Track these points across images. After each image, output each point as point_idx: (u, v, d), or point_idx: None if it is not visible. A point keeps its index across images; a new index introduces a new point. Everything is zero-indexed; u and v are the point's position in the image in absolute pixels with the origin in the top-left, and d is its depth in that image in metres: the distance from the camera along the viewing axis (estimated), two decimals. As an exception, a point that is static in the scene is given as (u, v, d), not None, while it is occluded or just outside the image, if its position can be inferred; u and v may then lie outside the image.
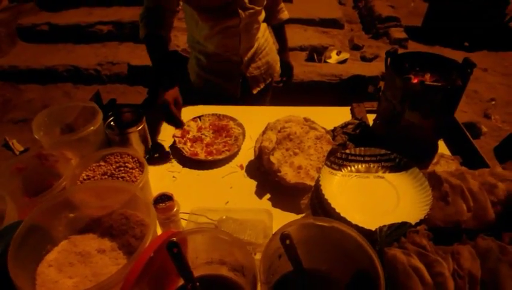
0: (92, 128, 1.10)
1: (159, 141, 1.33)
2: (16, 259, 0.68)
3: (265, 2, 1.47)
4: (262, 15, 1.54)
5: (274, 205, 1.06)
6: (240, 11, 1.37)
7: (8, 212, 0.77)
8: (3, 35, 3.88)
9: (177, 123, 1.17)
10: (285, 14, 1.70)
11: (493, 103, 3.35)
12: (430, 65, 1.12)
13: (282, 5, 1.69)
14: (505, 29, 4.56)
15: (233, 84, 1.62)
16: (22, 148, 2.99)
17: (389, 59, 1.12)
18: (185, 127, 1.31)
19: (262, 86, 1.70)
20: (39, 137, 1.12)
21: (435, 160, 1.15)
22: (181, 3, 1.38)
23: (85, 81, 3.66)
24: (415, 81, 1.07)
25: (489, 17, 4.34)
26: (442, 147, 1.25)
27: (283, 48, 1.83)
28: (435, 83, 1.03)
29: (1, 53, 3.84)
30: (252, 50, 1.58)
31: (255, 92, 1.68)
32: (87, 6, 4.22)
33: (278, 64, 1.79)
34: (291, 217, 1.02)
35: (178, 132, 1.29)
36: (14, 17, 4.04)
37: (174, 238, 0.66)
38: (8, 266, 0.65)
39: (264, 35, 1.64)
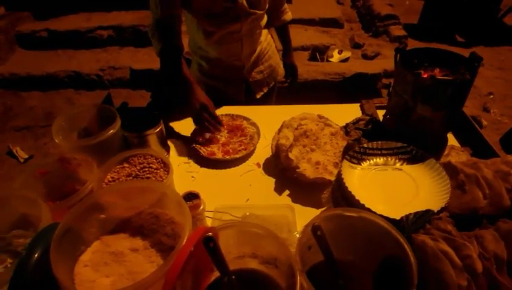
0: (111, 131, 1.12)
1: (175, 141, 1.35)
2: (56, 259, 0.70)
3: (267, 6, 1.46)
4: (264, 19, 1.55)
5: (294, 201, 1.09)
6: (241, 16, 1.37)
7: (44, 215, 0.79)
8: (2, 43, 3.87)
9: (215, 126, 1.24)
10: (288, 15, 1.70)
11: (491, 96, 3.41)
12: (438, 60, 1.16)
13: (286, 6, 1.68)
14: (500, 24, 4.63)
15: (236, 89, 1.63)
16: (26, 156, 2.99)
17: (398, 55, 1.15)
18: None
19: (265, 90, 1.71)
20: (59, 141, 1.14)
21: (446, 152, 1.19)
22: None
23: (87, 86, 3.67)
24: (425, 76, 1.10)
25: (483, 12, 4.41)
26: (452, 139, 1.29)
27: (287, 49, 1.82)
28: (445, 77, 1.06)
29: (0, 60, 3.83)
30: (255, 55, 1.58)
31: (258, 96, 1.69)
32: (85, 12, 4.22)
33: (281, 67, 1.80)
34: (312, 211, 1.05)
35: (194, 133, 1.31)
36: (12, 24, 4.02)
37: (210, 233, 0.68)
38: (51, 265, 0.68)
39: (267, 39, 1.64)
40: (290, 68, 1.84)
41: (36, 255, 0.70)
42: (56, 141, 1.13)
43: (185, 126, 1.41)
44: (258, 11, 1.40)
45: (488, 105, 3.27)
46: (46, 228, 0.76)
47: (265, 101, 1.73)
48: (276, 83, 1.79)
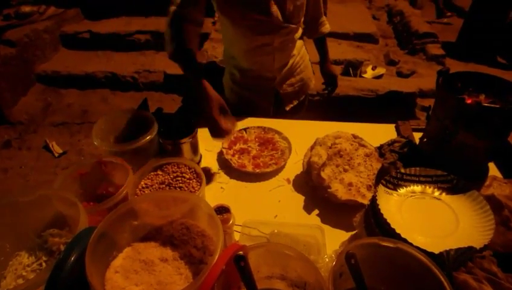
0: (149, 137, 1.14)
1: (206, 150, 1.36)
2: (91, 263, 0.72)
3: (302, 19, 1.46)
4: (299, 32, 1.54)
5: (323, 221, 1.06)
6: (275, 29, 1.37)
7: (82, 218, 0.81)
8: (48, 42, 4.08)
9: (221, 133, 1.10)
10: (326, 28, 1.69)
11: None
12: (483, 85, 1.11)
13: (324, 18, 1.67)
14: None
15: (266, 100, 1.63)
16: (61, 151, 3.12)
17: (440, 78, 1.11)
18: (232, 138, 1.34)
19: (295, 103, 1.70)
20: (98, 144, 1.17)
21: (487, 182, 1.13)
22: (216, 14, 1.38)
23: (122, 87, 3.80)
24: (470, 101, 1.06)
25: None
26: (494, 169, 1.23)
27: (325, 59, 1.80)
28: (492, 105, 1.01)
29: (45, 58, 4.04)
30: (287, 67, 1.57)
31: (287, 108, 1.68)
32: (127, 16, 4.39)
33: (313, 82, 1.79)
34: (342, 234, 1.02)
35: (226, 143, 1.32)
36: (58, 25, 4.25)
37: (241, 252, 0.68)
38: (86, 268, 0.69)
39: (300, 53, 1.64)
40: (329, 77, 1.82)
41: (73, 258, 0.72)
42: (95, 143, 1.16)
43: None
44: (291, 25, 1.40)
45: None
46: (84, 231, 0.78)
47: (294, 113, 1.73)
48: (306, 96, 1.79)
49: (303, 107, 1.79)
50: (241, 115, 1.55)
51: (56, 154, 3.09)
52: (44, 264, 0.86)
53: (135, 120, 1.30)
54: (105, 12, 4.41)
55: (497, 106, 1.00)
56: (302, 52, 1.67)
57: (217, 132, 1.12)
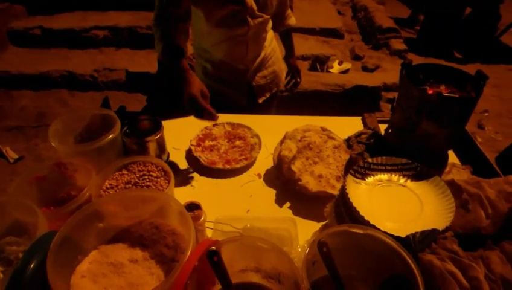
0: (111, 136, 1.09)
1: (173, 148, 1.33)
2: (53, 270, 0.67)
3: (273, 10, 1.48)
4: (270, 24, 1.56)
5: (295, 213, 1.07)
6: (249, 19, 1.37)
7: (40, 223, 0.76)
8: (-6, 40, 3.80)
9: (210, 115, 1.13)
10: (292, 20, 1.71)
11: (486, 114, 3.47)
12: (443, 77, 1.16)
13: (290, 11, 1.69)
14: (496, 43, 4.76)
15: (239, 93, 1.63)
16: (16, 156, 2.92)
17: (404, 70, 1.15)
18: (200, 135, 1.32)
19: (267, 96, 1.72)
20: (55, 145, 1.10)
21: (447, 169, 1.19)
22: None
23: (81, 87, 3.60)
24: (431, 92, 1.11)
25: (481, 30, 4.52)
26: (452, 157, 1.30)
27: (290, 54, 1.83)
28: (452, 94, 1.07)
29: (-9, 58, 3.75)
30: (259, 59, 1.59)
31: (260, 101, 1.69)
32: (81, 11, 4.16)
33: (284, 74, 1.81)
34: (314, 224, 1.03)
35: (194, 140, 1.30)
36: (4, 21, 3.94)
37: (214, 247, 0.67)
38: (48, 276, 0.65)
39: (271, 45, 1.66)
40: (294, 71, 1.85)
41: (32, 265, 0.67)
42: (53, 145, 1.09)
43: (182, 132, 1.39)
44: (265, 15, 1.41)
45: (483, 122, 3.32)
46: (43, 236, 0.73)
47: (266, 107, 1.74)
48: (278, 89, 1.80)
49: (275, 100, 1.81)
50: (214, 108, 1.52)
51: (11, 160, 2.89)
52: (1, 274, 0.79)
53: (96, 119, 1.24)
54: (56, 7, 4.13)
55: (456, 96, 1.06)
56: (274, 45, 1.68)
57: (202, 113, 1.13)
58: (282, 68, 1.78)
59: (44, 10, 4.17)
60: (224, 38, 1.43)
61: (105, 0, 4.14)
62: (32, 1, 4.21)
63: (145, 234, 0.83)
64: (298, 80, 1.88)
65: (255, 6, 1.35)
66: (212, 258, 0.66)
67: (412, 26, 5.21)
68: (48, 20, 4.03)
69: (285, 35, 1.79)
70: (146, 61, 3.62)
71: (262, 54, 1.59)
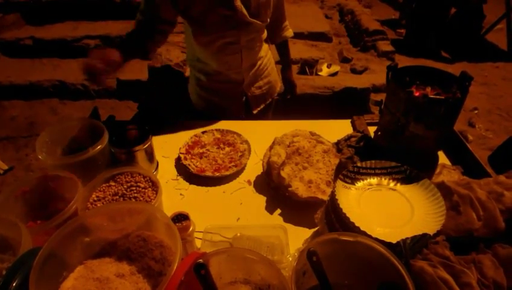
0: (99, 147, 1.07)
1: (163, 157, 1.31)
2: (37, 287, 0.66)
3: (268, 19, 1.44)
4: (265, 33, 1.53)
5: (286, 220, 1.06)
6: (240, 25, 1.35)
7: (24, 239, 0.74)
8: (-16, 50, 3.77)
9: (92, 78, 1.17)
10: (289, 32, 1.69)
11: (476, 112, 3.49)
12: (429, 78, 1.17)
13: (287, 22, 1.67)
14: (482, 41, 4.82)
15: (235, 104, 1.60)
16: (6, 167, 2.89)
17: (390, 73, 1.15)
18: (190, 142, 1.31)
19: (262, 106, 1.69)
20: (42, 158, 1.09)
21: (437, 170, 1.19)
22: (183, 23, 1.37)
23: (72, 96, 3.59)
24: (417, 94, 1.11)
25: (466, 29, 4.57)
26: (443, 158, 1.29)
27: (287, 66, 1.82)
28: (437, 96, 1.07)
29: (-18, 69, 3.72)
30: (254, 69, 1.55)
31: (255, 112, 1.67)
32: (72, 20, 4.15)
33: (279, 85, 1.79)
34: (304, 231, 1.02)
35: (183, 148, 1.29)
36: (-4, 32, 3.94)
37: (201, 260, 0.65)
38: (30, 295, 0.63)
39: (267, 55, 1.63)
40: (289, 85, 1.84)
41: (15, 284, 0.66)
42: (40, 157, 1.07)
43: (172, 140, 1.38)
44: (257, 22, 1.38)
45: (473, 120, 3.34)
46: (26, 253, 0.72)
47: (261, 116, 1.71)
48: (273, 99, 1.77)
49: (269, 110, 1.78)
50: (209, 119, 1.51)
51: (1, 171, 2.85)
52: (-17, 294, 0.77)
53: (84, 130, 1.23)
54: (48, 17, 4.13)
55: (442, 97, 1.06)
56: (269, 55, 1.66)
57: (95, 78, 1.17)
58: (277, 78, 1.75)
59: (35, 21, 4.16)
60: (216, 45, 1.38)
61: (96, 10, 4.15)
62: (24, 12, 4.19)
63: (132, 247, 0.81)
64: (288, 96, 1.87)
65: (245, 12, 1.33)
66: (199, 271, 0.65)
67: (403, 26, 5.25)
68: (39, 31, 4.03)
69: (283, 48, 1.76)
70: (137, 69, 3.60)
71: (258, 64, 1.56)
